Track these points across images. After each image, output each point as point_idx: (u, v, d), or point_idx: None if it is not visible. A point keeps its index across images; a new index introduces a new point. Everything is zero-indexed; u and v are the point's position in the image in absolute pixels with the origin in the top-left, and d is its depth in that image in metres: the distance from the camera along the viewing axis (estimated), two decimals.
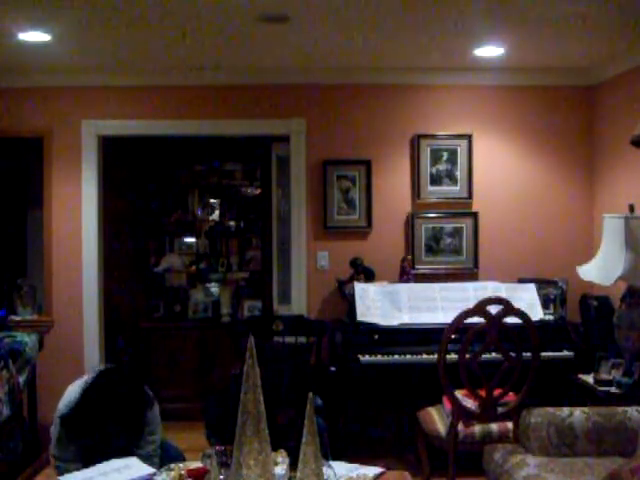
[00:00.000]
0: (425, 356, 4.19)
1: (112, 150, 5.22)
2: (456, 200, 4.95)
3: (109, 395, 3.07)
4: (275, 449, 2.11)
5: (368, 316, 4.32)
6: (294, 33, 3.93)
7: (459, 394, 3.52)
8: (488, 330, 3.37)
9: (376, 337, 4.25)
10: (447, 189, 4.94)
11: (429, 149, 4.92)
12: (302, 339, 4.36)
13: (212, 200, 6.76)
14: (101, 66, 4.70)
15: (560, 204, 4.99)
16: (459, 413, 3.48)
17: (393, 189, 4.96)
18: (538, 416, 3.16)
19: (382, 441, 4.41)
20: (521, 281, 4.70)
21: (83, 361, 4.78)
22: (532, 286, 4.54)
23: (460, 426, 3.53)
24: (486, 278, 4.82)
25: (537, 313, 4.36)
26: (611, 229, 3.57)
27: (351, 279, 4.65)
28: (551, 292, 4.63)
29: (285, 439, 2.43)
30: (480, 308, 3.37)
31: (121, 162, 5.77)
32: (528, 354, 3.42)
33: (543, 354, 3.72)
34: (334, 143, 4.94)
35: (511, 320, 3.40)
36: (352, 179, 4.94)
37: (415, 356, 4.22)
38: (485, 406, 3.45)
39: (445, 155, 4.93)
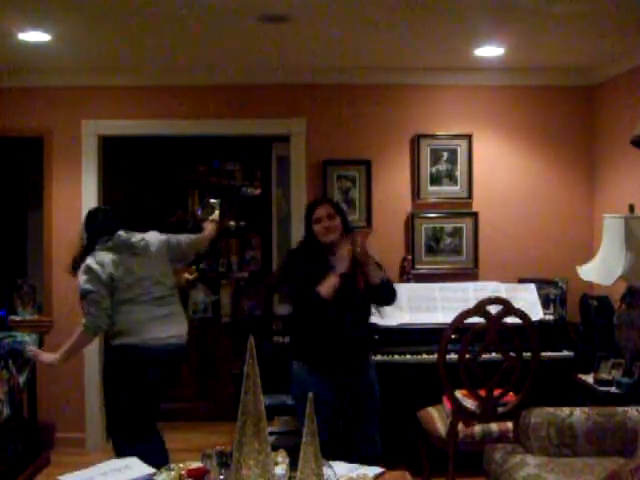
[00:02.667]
0: (425, 356, 4.19)
1: (112, 150, 5.22)
2: (456, 200, 4.95)
3: None
4: None
5: None
6: (294, 33, 3.93)
7: (459, 394, 3.52)
8: (488, 330, 3.37)
9: (376, 337, 4.25)
10: (447, 189, 4.94)
11: (429, 149, 4.92)
12: None
13: (212, 200, 6.74)
14: (101, 66, 4.70)
15: (560, 204, 4.99)
16: (459, 413, 3.48)
17: (393, 189, 4.96)
18: (538, 416, 3.16)
19: (382, 441, 4.40)
20: (521, 281, 4.70)
21: (83, 361, 4.77)
22: (532, 286, 4.54)
23: (460, 426, 3.52)
24: (486, 278, 4.81)
25: (537, 313, 4.36)
26: (611, 229, 3.56)
27: None
28: (551, 292, 4.63)
29: None
30: (480, 308, 3.37)
31: (121, 162, 5.77)
32: (528, 354, 3.42)
33: (543, 354, 3.73)
34: (334, 143, 4.94)
35: (511, 320, 3.41)
36: (352, 179, 4.93)
37: (415, 356, 4.22)
38: (485, 406, 3.45)
39: (445, 155, 4.93)
